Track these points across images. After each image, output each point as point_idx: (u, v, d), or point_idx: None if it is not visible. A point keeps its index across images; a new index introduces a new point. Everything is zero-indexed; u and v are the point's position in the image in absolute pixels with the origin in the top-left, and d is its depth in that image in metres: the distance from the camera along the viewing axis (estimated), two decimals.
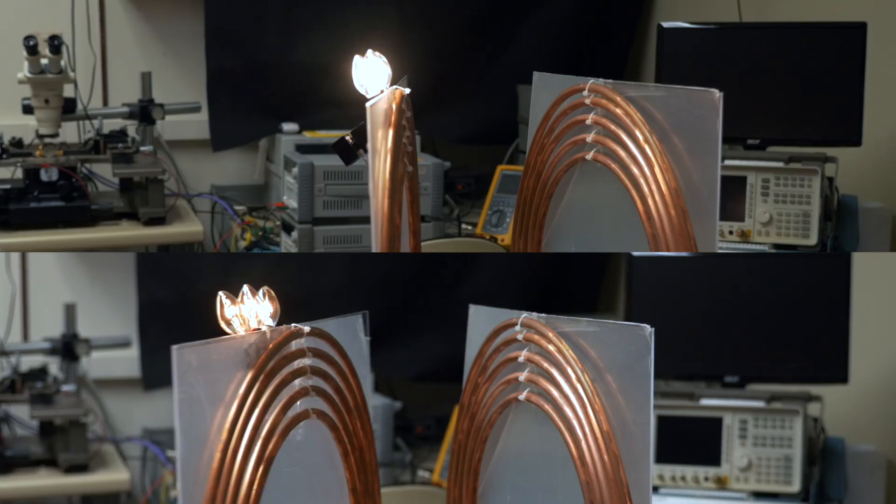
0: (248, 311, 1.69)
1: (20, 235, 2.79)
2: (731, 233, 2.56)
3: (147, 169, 2.91)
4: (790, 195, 2.52)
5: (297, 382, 1.72)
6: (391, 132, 1.91)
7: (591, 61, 3.51)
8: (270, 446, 1.64)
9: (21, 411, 3.01)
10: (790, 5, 2.93)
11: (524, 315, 1.78)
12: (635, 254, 2.61)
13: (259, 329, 1.67)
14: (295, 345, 1.71)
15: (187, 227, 2.96)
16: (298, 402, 1.72)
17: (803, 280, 2.57)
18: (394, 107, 1.95)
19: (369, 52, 1.98)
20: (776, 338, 2.57)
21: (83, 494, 2.91)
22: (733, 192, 2.54)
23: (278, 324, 1.70)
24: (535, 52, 3.46)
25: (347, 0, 3.31)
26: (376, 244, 1.88)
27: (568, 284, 3.57)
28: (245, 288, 1.69)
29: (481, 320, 1.91)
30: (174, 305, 3.25)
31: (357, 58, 1.96)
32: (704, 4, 3.22)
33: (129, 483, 2.87)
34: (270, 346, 1.66)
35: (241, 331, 1.66)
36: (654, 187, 1.89)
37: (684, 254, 2.58)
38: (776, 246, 2.54)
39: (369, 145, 1.88)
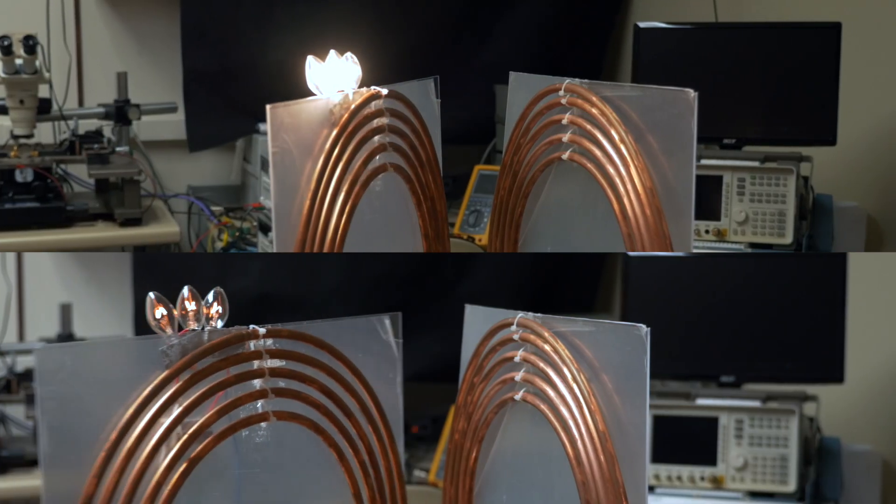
0: (189, 313, 1.63)
1: None
2: (707, 232, 2.56)
3: (123, 170, 2.89)
4: (766, 194, 2.53)
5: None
6: (335, 132, 1.89)
7: (568, 61, 3.51)
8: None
9: (17, 411, 3.01)
10: (765, 5, 2.94)
11: (520, 315, 1.78)
12: (631, 254, 2.61)
13: (195, 330, 1.61)
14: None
15: (163, 228, 2.95)
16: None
17: (799, 280, 2.58)
18: (353, 107, 1.93)
19: (331, 52, 1.96)
20: (772, 337, 2.58)
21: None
22: (709, 192, 2.55)
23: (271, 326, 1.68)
24: (512, 52, 3.46)
25: (324, 2, 3.30)
26: (280, 243, 1.86)
27: (564, 284, 3.57)
28: (185, 290, 1.63)
29: (477, 320, 1.91)
30: (170, 306, 3.24)
31: (310, 58, 1.94)
32: (681, 5, 3.23)
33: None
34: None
35: (168, 332, 1.60)
36: (629, 187, 1.89)
37: (680, 254, 2.58)
38: (752, 245, 2.55)
39: (269, 145, 1.84)
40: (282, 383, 1.65)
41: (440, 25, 3.46)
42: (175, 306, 1.62)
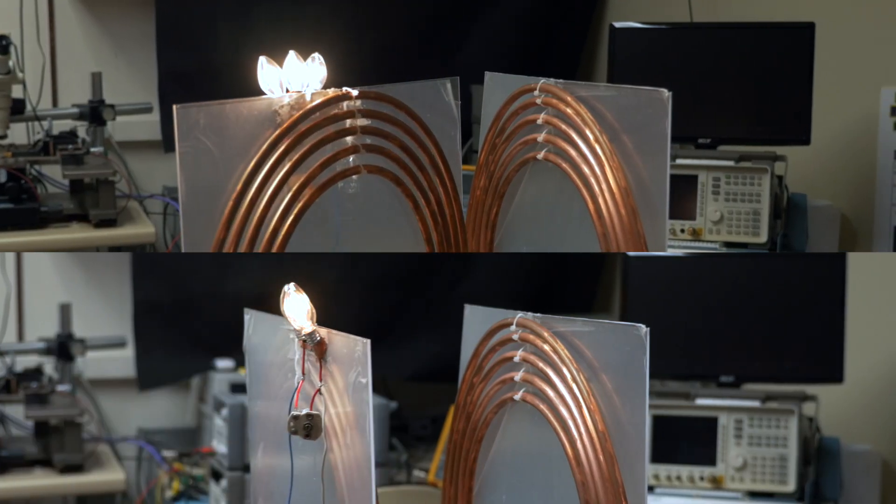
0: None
1: None
2: (682, 231, 2.57)
3: (97, 170, 2.86)
4: (741, 193, 2.54)
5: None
6: (275, 133, 1.84)
7: (543, 61, 3.51)
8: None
9: (16, 411, 3.01)
10: (740, 6, 2.96)
11: (519, 315, 1.78)
12: (631, 254, 2.61)
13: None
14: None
15: (139, 229, 2.92)
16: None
17: (799, 280, 2.58)
18: (307, 108, 1.87)
19: (291, 53, 1.91)
20: (771, 337, 2.58)
21: (78, 495, 2.90)
22: (685, 191, 2.55)
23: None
24: (488, 52, 3.46)
25: (301, 1, 3.29)
26: (189, 243, 1.84)
27: (564, 284, 3.57)
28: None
29: (477, 320, 1.92)
30: (169, 305, 3.24)
31: (262, 59, 1.89)
32: (656, 5, 3.24)
33: (124, 483, 2.86)
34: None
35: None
36: (604, 186, 1.90)
37: (679, 254, 2.58)
38: (727, 244, 2.56)
39: (176, 145, 1.79)
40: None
41: (417, 26, 3.46)
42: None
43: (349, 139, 1.90)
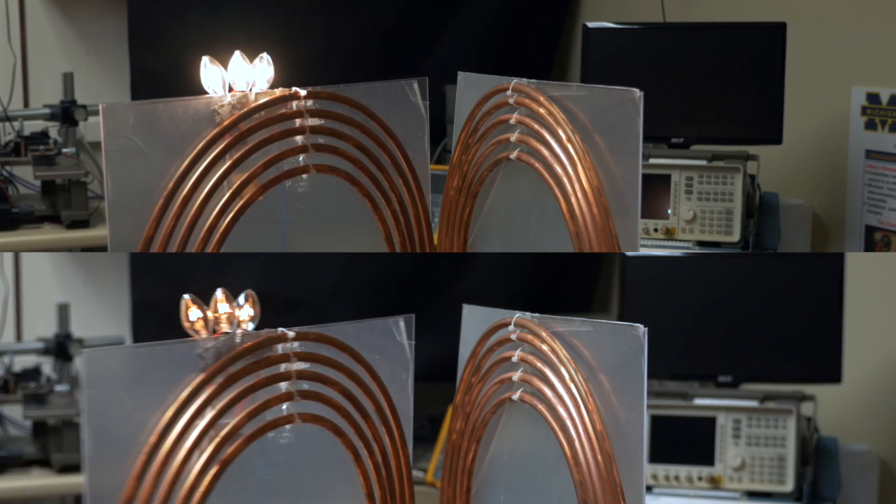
0: (222, 315, 1.66)
1: None
2: (655, 230, 2.57)
3: (69, 171, 2.85)
4: (713, 193, 2.55)
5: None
6: (212, 133, 1.81)
7: (517, 61, 3.51)
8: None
9: (14, 411, 3.01)
10: (712, 6, 2.98)
11: (517, 315, 1.78)
12: (629, 254, 2.61)
13: (228, 333, 1.64)
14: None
15: None
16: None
17: (797, 280, 2.58)
18: (249, 107, 1.84)
19: (236, 53, 1.88)
20: (770, 337, 2.58)
21: (77, 495, 2.91)
22: (658, 190, 2.56)
23: (271, 327, 1.67)
24: (462, 52, 3.46)
25: (274, 1, 3.28)
26: (116, 243, 1.84)
27: (562, 284, 3.57)
28: (218, 292, 1.66)
29: (475, 320, 1.92)
30: (168, 305, 3.22)
31: (205, 59, 1.86)
32: (629, 5, 3.26)
33: None
34: (238, 349, 1.62)
35: (203, 335, 1.63)
36: (576, 186, 1.90)
37: (678, 254, 2.58)
38: (700, 243, 2.57)
39: (102, 143, 1.77)
40: (305, 385, 1.69)
41: (390, 26, 3.45)
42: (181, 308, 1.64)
43: (298, 138, 1.88)
